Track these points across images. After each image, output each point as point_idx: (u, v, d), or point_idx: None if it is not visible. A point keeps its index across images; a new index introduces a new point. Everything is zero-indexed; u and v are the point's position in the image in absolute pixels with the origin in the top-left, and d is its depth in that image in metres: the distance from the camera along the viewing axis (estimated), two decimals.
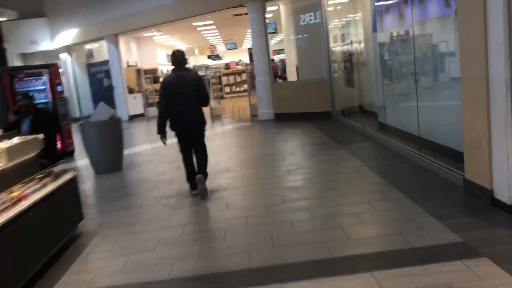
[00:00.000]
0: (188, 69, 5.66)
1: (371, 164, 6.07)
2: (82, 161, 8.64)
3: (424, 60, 6.09)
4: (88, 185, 7.11)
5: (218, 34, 34.80)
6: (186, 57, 5.68)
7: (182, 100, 5.36)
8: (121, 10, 15.69)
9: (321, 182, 5.61)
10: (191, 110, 5.43)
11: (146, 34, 28.00)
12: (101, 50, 18.59)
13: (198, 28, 29.27)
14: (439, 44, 5.83)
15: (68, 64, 19.17)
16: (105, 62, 17.70)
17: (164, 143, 5.69)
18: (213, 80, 23.49)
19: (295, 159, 7.02)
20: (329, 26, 11.04)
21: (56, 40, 18.66)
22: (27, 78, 9.03)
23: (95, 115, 7.60)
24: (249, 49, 25.31)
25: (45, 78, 9.28)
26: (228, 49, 36.84)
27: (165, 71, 34.31)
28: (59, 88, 9.38)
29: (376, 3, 7.57)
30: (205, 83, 6.55)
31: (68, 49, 19.01)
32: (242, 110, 16.22)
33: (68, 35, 18.04)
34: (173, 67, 5.53)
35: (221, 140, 9.82)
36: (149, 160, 8.29)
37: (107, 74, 17.70)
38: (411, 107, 6.27)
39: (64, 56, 19.09)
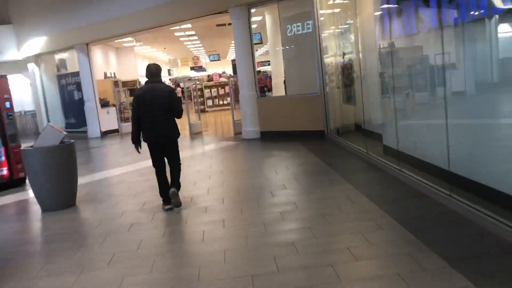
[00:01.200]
0: (161, 82, 5.68)
1: (387, 207, 4.74)
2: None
3: (454, 67, 4.85)
4: (28, 228, 5.66)
5: (201, 45, 33.64)
6: (161, 70, 5.74)
7: (155, 112, 5.44)
8: (92, 16, 14.28)
9: (327, 235, 4.25)
10: (163, 122, 5.50)
11: (126, 45, 26.61)
12: (74, 60, 17.09)
13: (181, 39, 28.01)
14: (480, 47, 4.59)
15: (36, 75, 17.63)
16: (77, 74, 16.22)
17: (138, 151, 5.80)
18: (195, 93, 22.20)
19: (288, 196, 5.67)
20: (323, 36, 9.81)
21: (22, 49, 17.13)
22: None
23: (41, 139, 6.17)
24: (233, 60, 24.07)
25: None
26: (211, 61, 35.61)
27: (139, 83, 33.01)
28: (6, 104, 7.91)
29: (383, 6, 6.33)
30: (178, 95, 6.53)
31: (36, 59, 17.47)
32: (225, 126, 14.88)
33: (35, 43, 16.53)
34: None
35: (200, 164, 8.44)
36: (110, 193, 6.86)
37: (79, 86, 16.21)
38: (434, 128, 5.01)
39: (31, 66, 17.55)
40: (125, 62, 28.13)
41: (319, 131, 9.97)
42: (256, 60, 16.71)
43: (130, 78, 26.04)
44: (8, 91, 7.98)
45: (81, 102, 16.08)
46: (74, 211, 6.04)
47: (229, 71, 37.28)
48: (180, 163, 5.81)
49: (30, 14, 16.60)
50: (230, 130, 12.63)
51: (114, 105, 16.37)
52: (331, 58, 9.61)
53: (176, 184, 5.67)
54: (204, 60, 45.72)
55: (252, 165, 7.98)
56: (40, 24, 16.22)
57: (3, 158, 7.98)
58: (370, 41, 7.18)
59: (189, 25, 21.73)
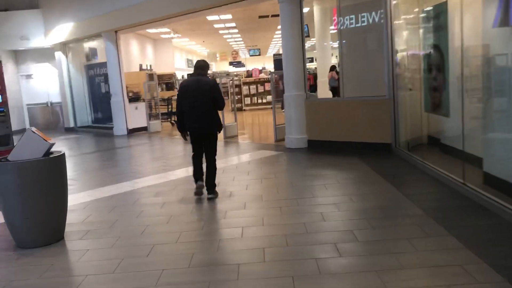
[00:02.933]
0: (205, 75, 5.84)
1: None
2: None
3: None
4: None
5: (241, 39, 31.97)
6: (208, 66, 5.92)
7: (197, 103, 5.62)
8: (121, 1, 12.75)
9: None
10: (204, 113, 5.65)
11: (164, 36, 25.25)
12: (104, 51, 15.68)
13: (220, 31, 26.36)
14: None
15: (63, 64, 16.32)
16: (105, 64, 14.79)
17: (185, 138, 5.94)
18: (232, 90, 20.51)
19: (362, 255, 3.77)
20: (396, 25, 7.78)
21: (50, 36, 15.84)
22: None
23: (19, 148, 4.50)
24: (275, 55, 22.19)
25: None
26: (251, 55, 33.83)
27: (182, 77, 31.61)
28: None
29: None
30: (220, 89, 6.32)
31: (64, 46, 16.16)
32: (264, 129, 13.03)
33: (63, 30, 15.19)
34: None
35: (234, 183, 6.64)
36: (109, 223, 5.12)
37: (106, 78, 14.78)
38: None
39: (58, 54, 16.25)
40: (162, 54, 26.78)
41: (383, 144, 7.98)
42: None
43: (166, 71, 24.69)
44: (0, 81, 6.42)
45: (108, 95, 14.64)
46: (58, 251, 4.35)
47: (270, 67, 35.52)
48: (215, 159, 5.90)
49: None
50: (270, 136, 10.79)
51: (144, 100, 14.84)
52: (409, 53, 7.58)
53: (211, 185, 5.82)
54: (243, 56, 44.13)
55: (300, 190, 6.08)
56: (69, 8, 14.87)
57: None
58: (475, 29, 5.15)
59: (229, 16, 20.14)
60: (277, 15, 21.32)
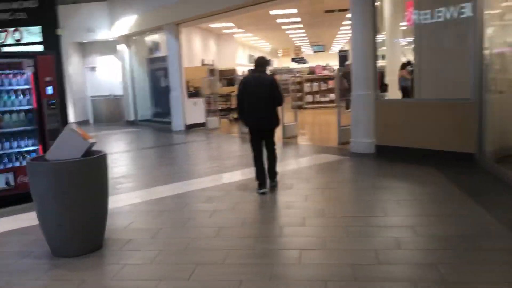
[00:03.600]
0: (265, 72, 5.99)
1: None
2: None
3: None
4: None
5: (305, 34, 31.09)
6: (268, 62, 6.25)
7: (256, 99, 5.77)
8: None
9: None
10: (263, 109, 5.79)
11: (226, 31, 24.97)
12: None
13: (283, 27, 25.69)
14: None
15: (125, 57, 16.36)
16: (165, 58, 14.60)
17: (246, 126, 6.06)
18: (293, 87, 19.84)
19: None
20: (488, 19, 6.72)
21: (114, 28, 15.91)
22: None
23: (57, 147, 4.09)
24: (340, 51, 21.20)
25: (28, 73, 6.03)
26: (314, 52, 32.84)
27: (242, 72, 31.21)
28: (48, 90, 6.07)
29: None
30: (280, 85, 6.21)
31: (127, 39, 16.18)
32: (326, 130, 12.23)
33: (126, 23, 15.18)
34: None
35: (291, 192, 5.96)
36: (152, 233, 4.61)
37: (167, 72, 14.58)
38: None
39: (121, 47, 16.30)
40: (225, 49, 26.54)
41: (465, 153, 6.97)
42: None
43: (228, 67, 24.40)
44: (51, 73, 6.12)
45: (168, 90, 14.42)
46: (92, 265, 3.89)
47: (333, 64, 34.40)
48: (275, 149, 6.07)
49: None
50: (333, 138, 10.00)
51: (209, 95, 14.50)
52: (501, 51, 6.52)
53: (273, 174, 6.05)
54: (306, 52, 43.16)
55: (369, 206, 5.29)
56: (133, 0, 14.81)
57: None
58: None
59: (294, 10, 19.42)
60: (345, 10, 20.46)
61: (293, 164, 7.85)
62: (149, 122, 16.16)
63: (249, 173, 6.69)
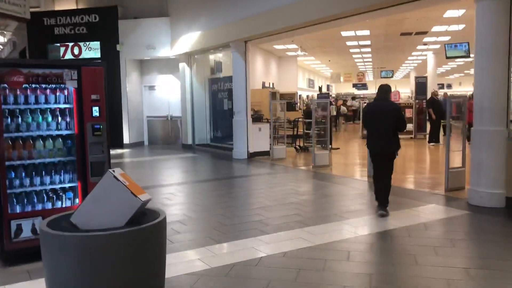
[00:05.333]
0: (388, 100, 6.27)
1: None
2: None
3: None
4: None
5: (370, 59, 29.42)
6: (391, 91, 6.54)
7: (379, 125, 6.03)
8: (253, 6, 11.06)
9: None
10: (384, 135, 6.00)
11: (289, 53, 23.60)
12: (229, 65, 14.20)
13: (351, 50, 24.08)
14: None
15: (186, 76, 15.18)
16: (230, 79, 13.26)
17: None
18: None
19: None
20: None
21: (175, 46, 14.81)
22: (31, 86, 4.46)
23: (92, 204, 2.55)
24: (417, 78, 19.11)
25: (69, 88, 4.65)
26: (382, 77, 30.74)
27: (307, 97, 29.68)
28: (94, 111, 4.65)
29: None
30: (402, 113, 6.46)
31: (188, 58, 15.02)
32: (421, 168, 10.22)
33: (188, 39, 14.02)
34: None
35: (415, 273, 4.13)
36: None
37: (231, 94, 13.22)
38: None
39: (182, 66, 15.16)
40: (286, 72, 25.12)
41: None
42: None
43: (289, 91, 22.88)
44: (99, 89, 4.70)
45: (231, 113, 12.99)
46: None
47: (402, 91, 32.24)
48: (391, 177, 6.18)
49: (187, 5, 14.20)
50: (437, 181, 8.02)
51: (268, 121, 12.96)
52: None
53: (383, 201, 6.04)
54: (367, 77, 41.09)
55: None
56: (197, 16, 13.67)
57: (78, 202, 4.74)
58: None
59: (366, 32, 17.87)
60: (423, 33, 18.47)
61: (396, 217, 5.99)
62: (206, 147, 14.78)
63: (351, 230, 4.93)
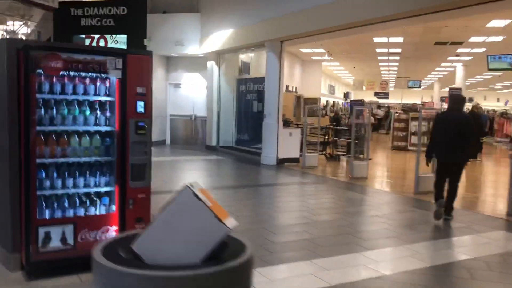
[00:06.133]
0: (461, 110, 6.39)
1: None
2: None
3: None
4: None
5: (396, 67, 28.69)
6: (465, 102, 6.74)
7: (449, 135, 6.06)
8: (292, 3, 10.43)
9: None
10: (454, 144, 6.02)
11: (315, 58, 22.95)
12: (260, 63, 13.58)
13: (379, 57, 23.36)
14: None
15: (214, 76, 14.60)
16: (260, 80, 12.63)
17: (427, 165, 6.61)
18: (396, 124, 17.30)
19: None
20: None
21: (205, 43, 14.24)
22: (69, 73, 3.87)
23: (161, 228, 1.93)
24: (451, 89, 18.34)
25: (112, 78, 4.05)
26: (409, 87, 29.88)
27: (326, 102, 28.99)
28: (138, 106, 4.04)
29: None
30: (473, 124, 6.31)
31: (217, 56, 14.43)
32: (471, 189, 9.45)
33: (219, 38, 13.43)
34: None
35: None
36: None
37: (260, 96, 12.57)
38: None
39: (211, 64, 14.58)
40: (308, 77, 24.46)
41: None
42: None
43: (312, 95, 22.22)
44: (146, 81, 4.09)
45: (259, 116, 12.37)
46: None
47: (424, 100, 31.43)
48: (458, 186, 6.20)
49: (219, 1, 13.63)
50: (492, 204, 7.29)
51: (298, 126, 12.31)
52: None
53: (449, 208, 6.12)
54: (390, 87, 40.21)
55: None
56: (229, 13, 13.09)
57: (114, 209, 4.13)
58: None
59: (399, 39, 17.18)
60: (459, 43, 17.65)
61: (463, 246, 5.27)
62: (231, 150, 14.16)
63: (414, 260, 4.26)
